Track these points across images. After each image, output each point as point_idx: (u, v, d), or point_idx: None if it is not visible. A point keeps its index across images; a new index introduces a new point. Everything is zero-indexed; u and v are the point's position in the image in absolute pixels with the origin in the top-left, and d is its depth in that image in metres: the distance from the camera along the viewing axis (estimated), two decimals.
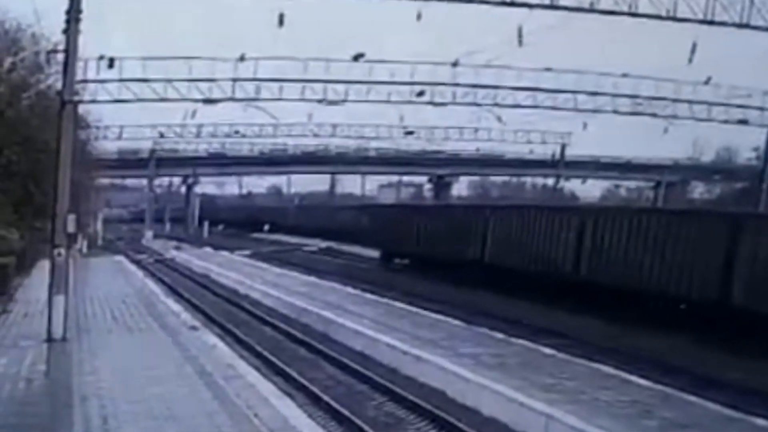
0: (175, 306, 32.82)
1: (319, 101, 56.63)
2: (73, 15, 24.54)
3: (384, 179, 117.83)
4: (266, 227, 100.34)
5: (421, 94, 56.10)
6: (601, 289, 33.43)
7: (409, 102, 57.97)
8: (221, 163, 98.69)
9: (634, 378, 20.25)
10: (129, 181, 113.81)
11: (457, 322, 29.28)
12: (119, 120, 70.38)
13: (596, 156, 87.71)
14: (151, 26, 76.78)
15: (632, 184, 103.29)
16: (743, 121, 58.36)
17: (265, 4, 30.44)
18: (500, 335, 26.52)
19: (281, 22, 30.71)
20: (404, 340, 24.75)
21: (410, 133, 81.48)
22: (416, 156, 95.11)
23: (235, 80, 53.89)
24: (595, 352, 24.55)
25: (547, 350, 23.85)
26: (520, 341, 25.32)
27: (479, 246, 44.72)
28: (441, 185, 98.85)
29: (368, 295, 37.19)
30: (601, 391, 18.66)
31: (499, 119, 61.83)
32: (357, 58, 51.86)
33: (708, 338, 26.33)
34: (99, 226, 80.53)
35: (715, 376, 22.06)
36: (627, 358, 23.97)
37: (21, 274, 38.26)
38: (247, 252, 69.29)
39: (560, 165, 79.10)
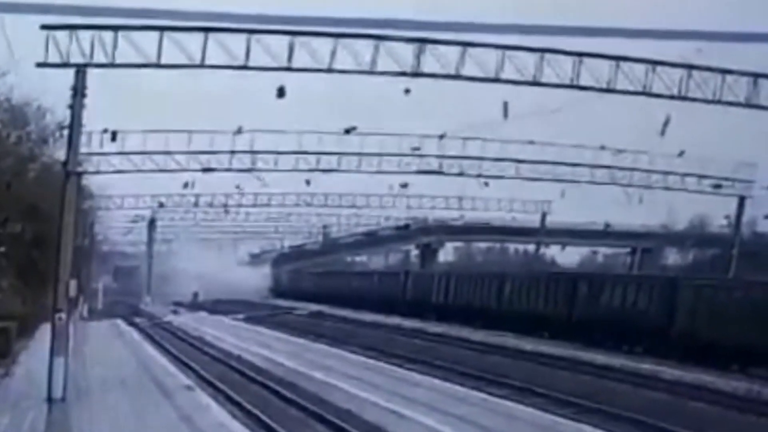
0: (171, 367, 34.21)
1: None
2: (79, 90, 26.29)
3: None
4: None
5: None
6: None
7: (398, 172, 59.98)
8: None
9: None
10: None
11: None
12: (119, 189, 71.98)
13: (575, 223, 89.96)
14: (152, 99, 78.70)
15: (609, 250, 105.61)
16: (715, 191, 60.50)
17: (265, 78, 31.67)
18: None
19: (281, 94, 31.97)
20: None
21: (406, 227, 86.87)
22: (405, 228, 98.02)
23: (233, 152, 55.61)
24: None
25: None
26: None
27: None
28: (428, 252, 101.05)
29: None
30: None
31: (486, 184, 63.77)
32: (348, 131, 53.55)
33: None
34: (100, 291, 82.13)
35: None
36: None
37: (24, 338, 39.53)
38: (240, 316, 70.57)
39: (541, 232, 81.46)
